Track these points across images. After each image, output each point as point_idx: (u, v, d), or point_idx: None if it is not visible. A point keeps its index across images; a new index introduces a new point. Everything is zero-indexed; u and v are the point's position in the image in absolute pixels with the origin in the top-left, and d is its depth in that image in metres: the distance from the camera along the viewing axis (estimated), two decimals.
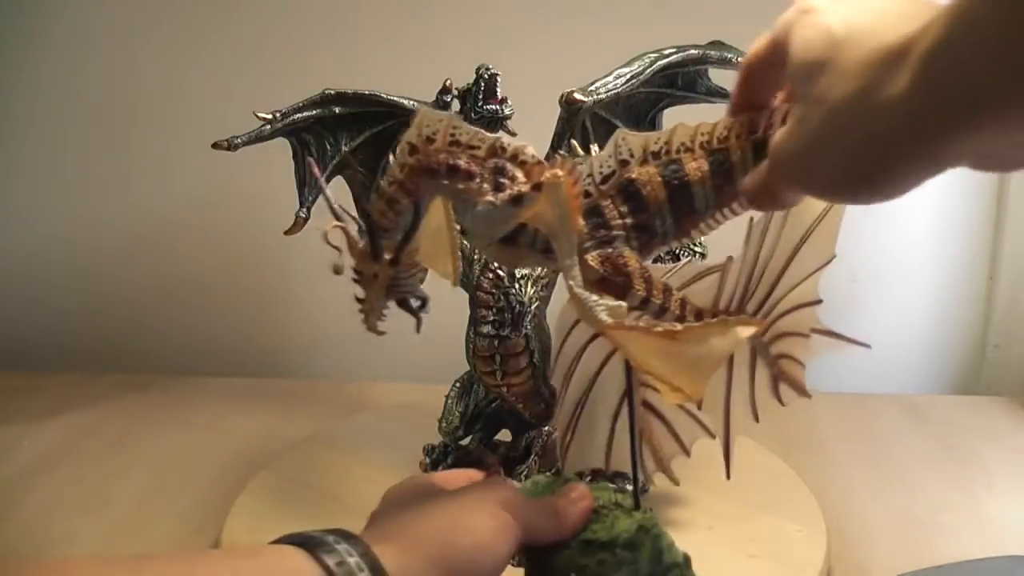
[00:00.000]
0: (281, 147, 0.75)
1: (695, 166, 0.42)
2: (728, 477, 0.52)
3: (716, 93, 0.76)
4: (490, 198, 0.41)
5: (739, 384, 0.48)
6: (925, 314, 1.09)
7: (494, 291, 0.62)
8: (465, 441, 0.75)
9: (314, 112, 0.73)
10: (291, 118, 0.73)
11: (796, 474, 0.80)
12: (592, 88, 0.69)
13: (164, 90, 1.08)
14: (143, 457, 0.90)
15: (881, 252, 1.08)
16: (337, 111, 0.73)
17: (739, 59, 0.72)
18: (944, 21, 0.30)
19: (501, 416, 0.74)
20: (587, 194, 0.43)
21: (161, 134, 1.09)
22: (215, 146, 0.72)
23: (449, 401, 0.73)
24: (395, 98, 0.73)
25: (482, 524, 0.42)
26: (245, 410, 1.00)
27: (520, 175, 0.42)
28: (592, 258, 0.42)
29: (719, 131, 0.43)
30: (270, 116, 0.72)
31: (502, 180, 0.42)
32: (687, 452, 0.52)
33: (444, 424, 0.72)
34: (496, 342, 0.65)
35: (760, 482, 0.79)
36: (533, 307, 0.60)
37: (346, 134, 0.75)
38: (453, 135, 0.42)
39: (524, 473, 0.69)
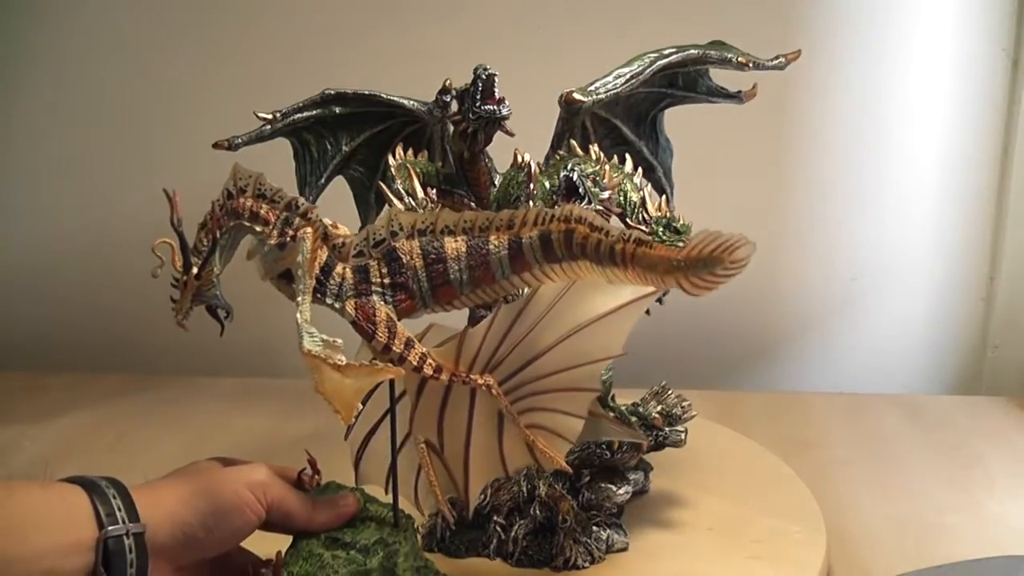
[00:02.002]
0: (283, 146, 0.75)
1: (453, 246, 0.52)
2: (469, 516, 0.60)
3: (717, 93, 0.75)
4: (271, 241, 0.52)
5: (482, 442, 0.56)
6: (925, 314, 1.09)
7: None
8: None
9: (314, 112, 0.73)
10: (291, 118, 0.73)
11: (796, 475, 0.80)
12: (592, 88, 0.69)
13: (165, 90, 1.08)
14: (143, 457, 0.89)
15: (881, 252, 1.08)
16: (337, 111, 0.73)
17: (739, 59, 0.72)
18: None
19: None
20: (361, 253, 0.52)
21: (161, 134, 1.09)
22: (216, 146, 0.72)
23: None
24: (395, 98, 0.73)
25: (223, 497, 0.51)
26: (245, 410, 1.00)
27: (305, 229, 0.52)
28: (350, 304, 0.52)
29: (481, 221, 0.52)
30: (270, 116, 0.72)
31: (286, 230, 0.52)
32: (462, 493, 0.58)
33: None
34: None
35: (760, 483, 0.79)
36: None
37: (346, 134, 0.75)
38: (260, 189, 0.53)
39: (524, 472, 0.69)
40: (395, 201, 0.63)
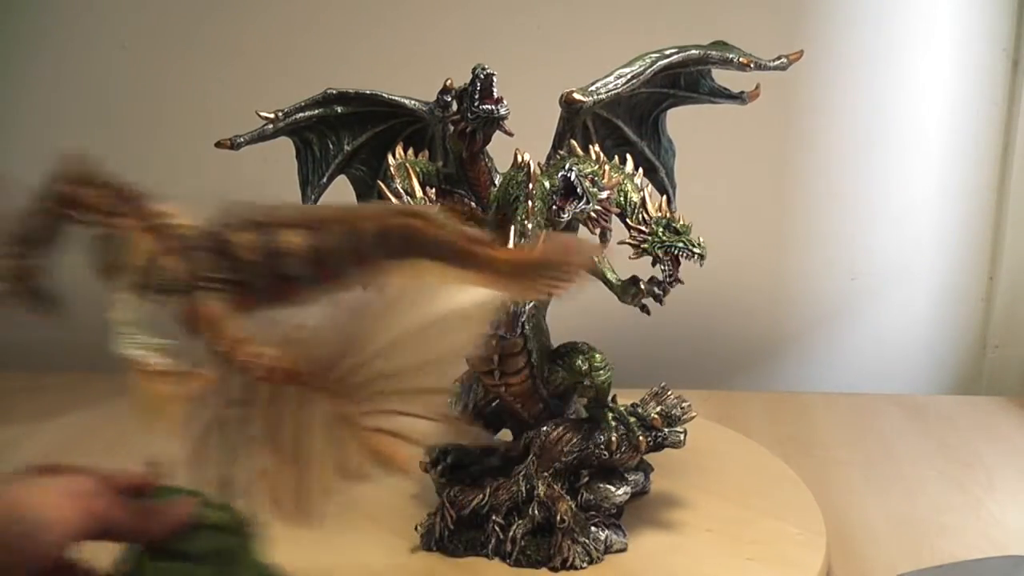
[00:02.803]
0: (284, 146, 0.75)
1: (291, 240, 0.49)
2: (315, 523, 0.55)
3: (719, 93, 0.75)
4: (98, 231, 0.50)
5: (323, 447, 0.52)
6: (925, 314, 1.09)
7: None
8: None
9: (316, 111, 0.73)
10: (293, 117, 0.73)
11: (796, 475, 0.80)
12: (592, 88, 0.68)
13: (165, 90, 1.08)
14: (143, 457, 0.89)
15: (881, 252, 1.08)
16: (339, 111, 0.73)
17: (741, 59, 0.72)
18: None
19: (500, 416, 0.74)
20: (194, 247, 0.50)
21: (162, 133, 1.09)
22: (218, 145, 0.72)
23: (449, 400, 0.73)
24: (396, 98, 0.73)
25: (34, 508, 0.47)
26: None
27: (130, 219, 0.50)
28: (179, 301, 0.49)
29: (320, 215, 0.50)
30: (272, 115, 0.72)
31: (113, 219, 0.50)
32: (305, 499, 0.54)
33: None
34: (494, 342, 0.65)
35: (760, 484, 0.79)
36: (528, 308, 0.60)
37: (348, 133, 0.75)
38: (89, 177, 0.50)
39: (523, 472, 0.69)
40: (393, 200, 0.63)
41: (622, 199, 0.66)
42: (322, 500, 0.53)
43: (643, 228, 0.64)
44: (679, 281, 0.64)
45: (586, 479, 0.70)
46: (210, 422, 0.53)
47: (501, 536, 0.68)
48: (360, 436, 0.51)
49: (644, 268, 0.65)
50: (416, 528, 0.70)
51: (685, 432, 0.72)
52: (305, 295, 0.51)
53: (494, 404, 0.74)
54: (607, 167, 0.66)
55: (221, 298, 0.49)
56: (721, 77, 0.75)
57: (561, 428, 0.70)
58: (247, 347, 0.48)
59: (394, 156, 0.67)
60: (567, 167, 0.64)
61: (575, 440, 0.69)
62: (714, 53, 0.72)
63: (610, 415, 0.70)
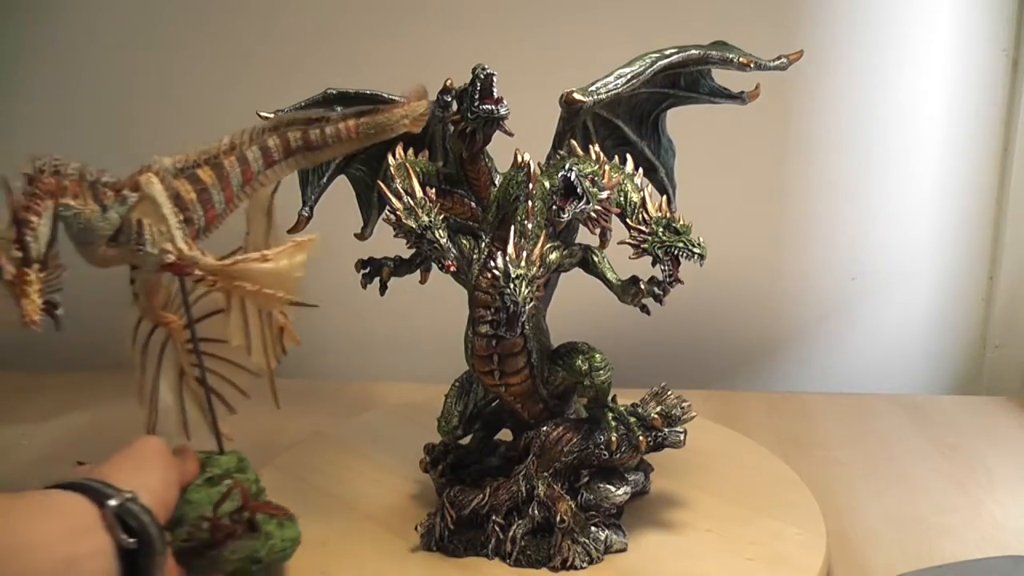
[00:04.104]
0: None
1: (207, 175, 0.61)
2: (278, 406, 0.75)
3: (719, 93, 0.75)
4: (92, 205, 0.55)
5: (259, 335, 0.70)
6: (925, 314, 1.09)
7: (491, 291, 0.62)
8: (465, 440, 0.75)
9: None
10: None
11: (796, 475, 0.80)
12: (592, 88, 0.68)
13: (165, 90, 1.08)
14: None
15: (881, 252, 1.08)
16: (339, 111, 0.73)
17: (741, 59, 0.72)
18: None
19: (501, 416, 0.74)
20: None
21: (163, 134, 1.09)
22: None
23: (448, 401, 0.73)
24: (396, 98, 0.73)
25: (162, 462, 0.58)
26: (246, 410, 1.00)
27: (146, 175, 0.58)
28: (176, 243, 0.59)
29: (212, 150, 0.62)
30: (272, 115, 0.72)
31: (99, 192, 0.56)
32: (233, 410, 0.71)
33: (443, 423, 0.72)
34: (494, 342, 0.65)
35: (760, 484, 0.79)
36: (528, 307, 0.60)
37: None
38: (55, 167, 0.55)
39: (523, 472, 0.69)
40: (393, 200, 0.63)
41: (622, 199, 0.66)
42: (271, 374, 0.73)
43: (643, 228, 0.64)
44: (679, 281, 0.64)
45: (586, 479, 0.70)
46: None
47: (501, 536, 0.68)
48: (278, 322, 0.69)
49: (644, 268, 0.65)
50: (416, 528, 0.70)
51: (685, 432, 0.72)
52: (221, 216, 0.62)
53: (494, 404, 0.74)
54: (607, 167, 0.66)
55: (186, 234, 0.59)
56: (721, 77, 0.75)
57: (561, 428, 0.70)
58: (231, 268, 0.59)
59: (394, 156, 0.67)
60: (567, 167, 0.64)
61: (575, 440, 0.69)
62: (714, 53, 0.72)
63: (610, 415, 0.70)
